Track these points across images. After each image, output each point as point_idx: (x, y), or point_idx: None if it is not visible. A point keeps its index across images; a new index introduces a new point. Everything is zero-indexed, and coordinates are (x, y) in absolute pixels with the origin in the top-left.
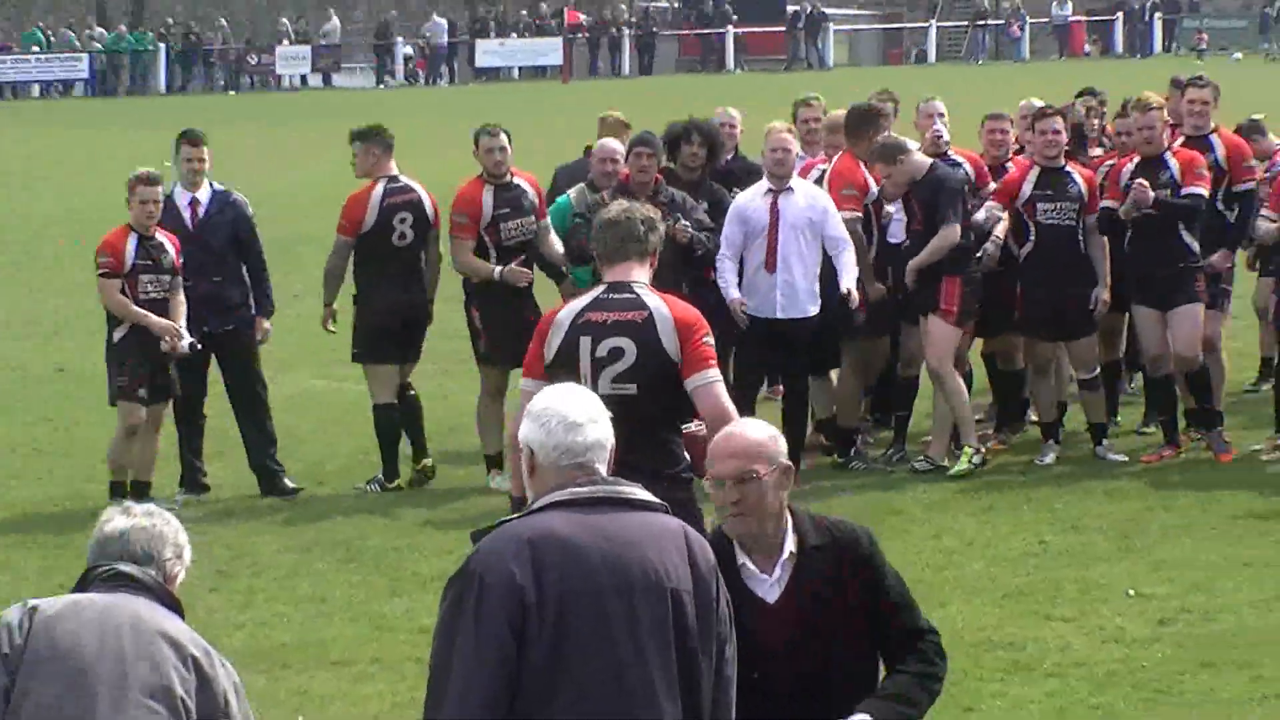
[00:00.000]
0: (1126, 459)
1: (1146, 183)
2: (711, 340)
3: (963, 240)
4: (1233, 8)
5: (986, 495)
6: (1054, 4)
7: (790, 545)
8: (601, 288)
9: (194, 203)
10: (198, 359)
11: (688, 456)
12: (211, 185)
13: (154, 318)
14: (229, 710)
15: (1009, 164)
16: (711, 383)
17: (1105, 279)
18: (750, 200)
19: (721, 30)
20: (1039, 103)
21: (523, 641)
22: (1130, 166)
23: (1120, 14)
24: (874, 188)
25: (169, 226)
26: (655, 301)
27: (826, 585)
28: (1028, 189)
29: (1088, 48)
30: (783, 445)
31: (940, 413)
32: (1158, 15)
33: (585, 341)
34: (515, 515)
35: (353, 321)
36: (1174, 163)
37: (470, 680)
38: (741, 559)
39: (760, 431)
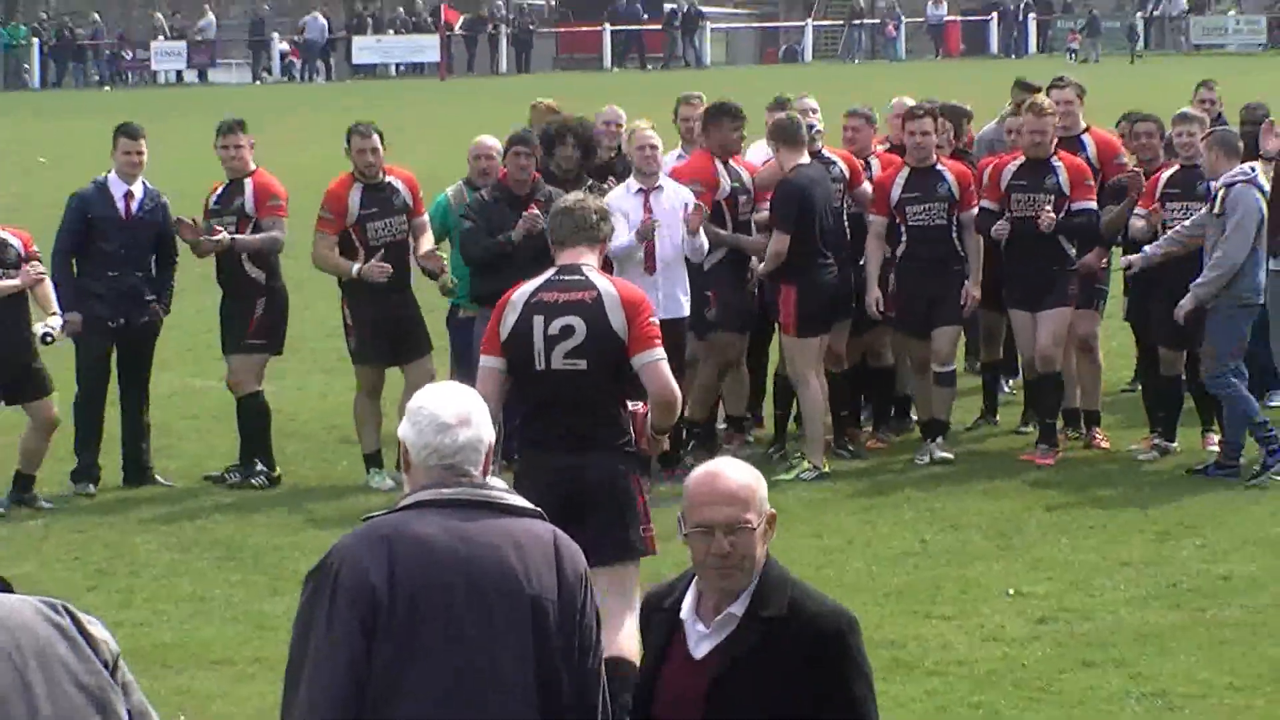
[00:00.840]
0: (953, 457)
1: (1053, 214)
2: (656, 320)
3: (804, 249)
4: (1106, 9)
5: (867, 494)
6: (929, 4)
7: (738, 607)
8: (553, 270)
9: (129, 195)
10: (102, 348)
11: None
12: (144, 181)
13: None
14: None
15: (872, 159)
16: (657, 360)
17: (976, 275)
18: (621, 199)
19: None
20: (910, 101)
21: (373, 639)
22: (1013, 166)
23: (995, 14)
24: (726, 183)
25: (105, 216)
26: (604, 283)
27: (765, 665)
28: (896, 192)
29: (962, 46)
30: (765, 489)
31: (809, 416)
32: (1032, 16)
33: (538, 320)
34: (381, 512)
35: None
36: (1061, 169)
37: (320, 678)
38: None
39: (747, 474)
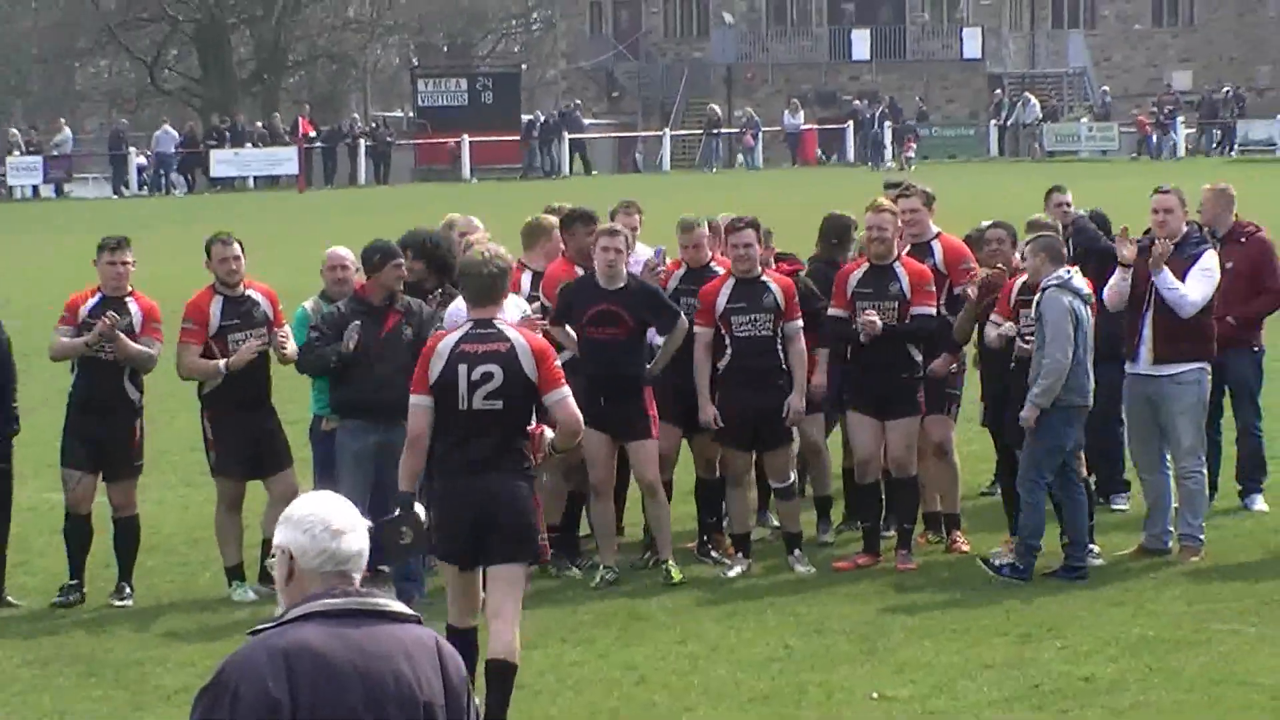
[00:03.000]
0: (815, 570)
1: (876, 318)
2: (560, 363)
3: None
4: (960, 116)
5: (730, 600)
6: (786, 113)
7: None
8: (470, 324)
9: None
10: None
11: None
12: None
13: None
14: None
15: (713, 265)
16: (565, 397)
17: (800, 387)
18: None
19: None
20: (729, 216)
21: None
22: (858, 273)
23: (851, 123)
24: None
25: None
26: (514, 334)
27: None
28: (722, 302)
29: (819, 154)
30: None
31: (655, 520)
32: (888, 124)
33: (462, 368)
34: (268, 625)
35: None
36: (904, 274)
37: None
38: None
39: None
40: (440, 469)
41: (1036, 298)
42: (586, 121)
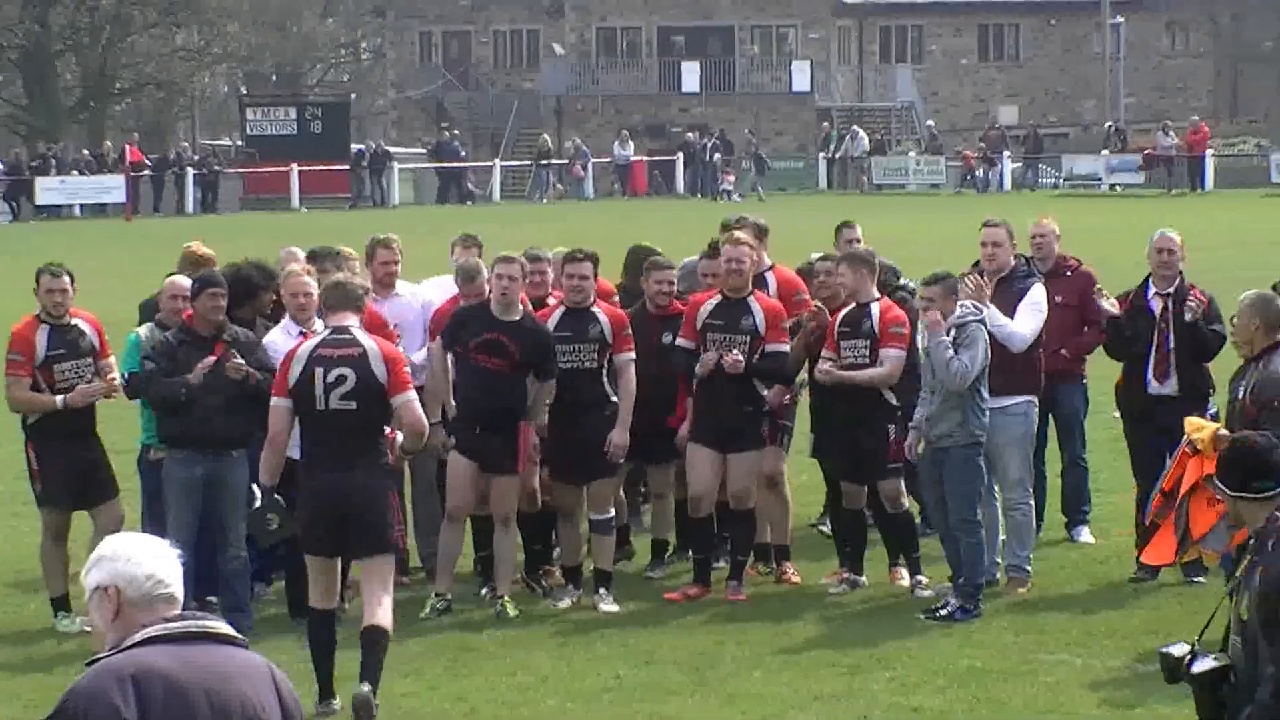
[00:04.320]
0: (619, 609)
1: (740, 358)
2: (410, 369)
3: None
4: (789, 150)
5: (562, 631)
6: (616, 144)
7: None
8: (327, 330)
9: None
10: None
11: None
12: None
13: None
14: None
15: (550, 300)
16: (410, 400)
17: (625, 421)
18: (279, 339)
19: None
20: (562, 250)
21: None
22: (710, 305)
23: (681, 155)
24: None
25: None
26: (367, 340)
27: None
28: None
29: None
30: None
31: (501, 554)
32: (718, 156)
33: (319, 371)
34: (107, 653)
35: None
36: (758, 309)
37: None
38: None
39: None
40: (303, 466)
41: (952, 331)
42: (417, 150)
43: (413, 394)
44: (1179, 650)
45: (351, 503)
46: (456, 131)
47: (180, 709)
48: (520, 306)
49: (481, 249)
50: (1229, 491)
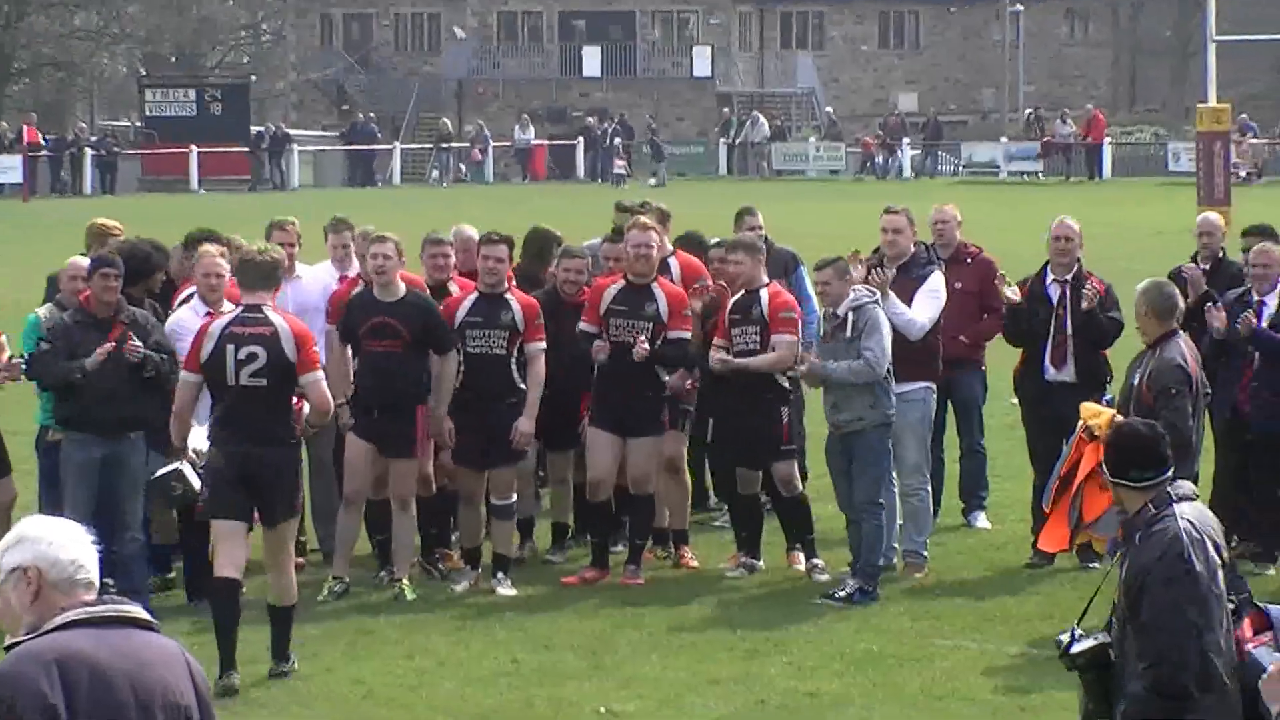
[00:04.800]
0: (516, 593)
1: (645, 346)
2: (320, 349)
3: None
4: (690, 135)
5: (459, 614)
6: (517, 128)
7: None
8: (240, 308)
9: None
10: None
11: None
12: None
13: None
14: None
15: (451, 286)
16: (318, 379)
17: (531, 410)
18: (186, 319)
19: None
20: (470, 230)
21: None
22: (614, 290)
23: (581, 140)
24: None
25: None
26: (278, 319)
27: None
28: (461, 314)
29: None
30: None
31: (399, 537)
32: (619, 140)
33: (230, 348)
34: (26, 637)
35: None
36: (661, 296)
37: None
38: None
39: None
40: (213, 437)
41: (849, 314)
42: (317, 133)
43: (320, 374)
44: (1065, 636)
45: (261, 473)
46: (373, 114)
47: (104, 694)
48: (401, 285)
49: (353, 230)
50: (1109, 476)
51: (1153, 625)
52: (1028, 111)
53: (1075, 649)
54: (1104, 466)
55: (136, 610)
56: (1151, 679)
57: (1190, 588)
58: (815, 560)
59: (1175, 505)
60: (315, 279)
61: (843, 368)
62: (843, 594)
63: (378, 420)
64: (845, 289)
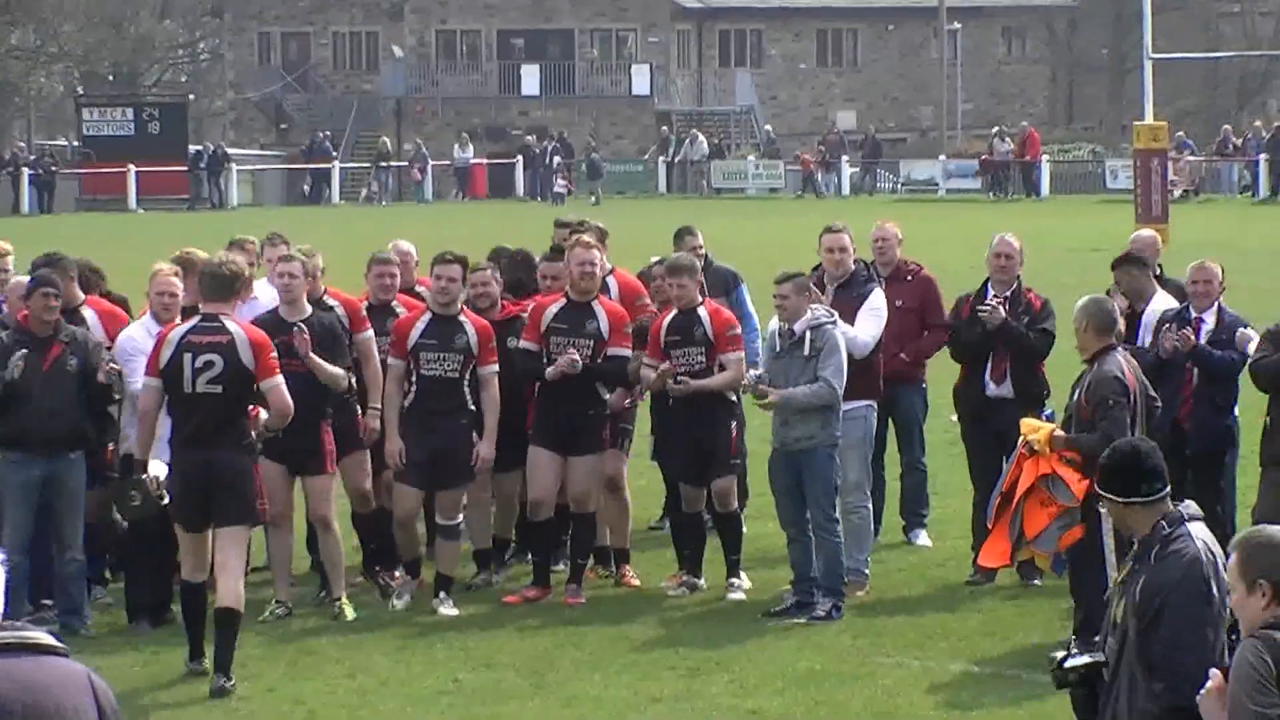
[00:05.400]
0: (458, 613)
1: (577, 357)
2: (276, 355)
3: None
4: (630, 153)
5: (401, 634)
6: (456, 147)
7: None
8: (199, 317)
9: None
10: None
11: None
12: None
13: None
14: None
15: (396, 306)
16: (278, 384)
17: (490, 434)
18: (140, 338)
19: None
20: (407, 245)
21: None
22: (554, 309)
23: (520, 158)
24: None
25: None
26: (235, 328)
27: None
28: (415, 336)
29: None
30: None
31: (328, 557)
32: (558, 159)
33: (188, 356)
34: None
35: None
36: (602, 313)
37: None
38: None
39: None
40: (172, 443)
41: (806, 333)
42: (255, 152)
43: (279, 379)
44: (1059, 652)
45: (217, 479)
46: (328, 132)
47: None
48: (305, 304)
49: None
50: (1119, 499)
51: (1174, 645)
52: (994, 130)
53: (1070, 664)
54: (1104, 493)
55: (37, 636)
56: (1170, 699)
57: (1210, 610)
58: (733, 579)
59: (1188, 524)
60: (266, 295)
61: (805, 392)
62: (821, 613)
63: (284, 439)
64: (804, 305)
